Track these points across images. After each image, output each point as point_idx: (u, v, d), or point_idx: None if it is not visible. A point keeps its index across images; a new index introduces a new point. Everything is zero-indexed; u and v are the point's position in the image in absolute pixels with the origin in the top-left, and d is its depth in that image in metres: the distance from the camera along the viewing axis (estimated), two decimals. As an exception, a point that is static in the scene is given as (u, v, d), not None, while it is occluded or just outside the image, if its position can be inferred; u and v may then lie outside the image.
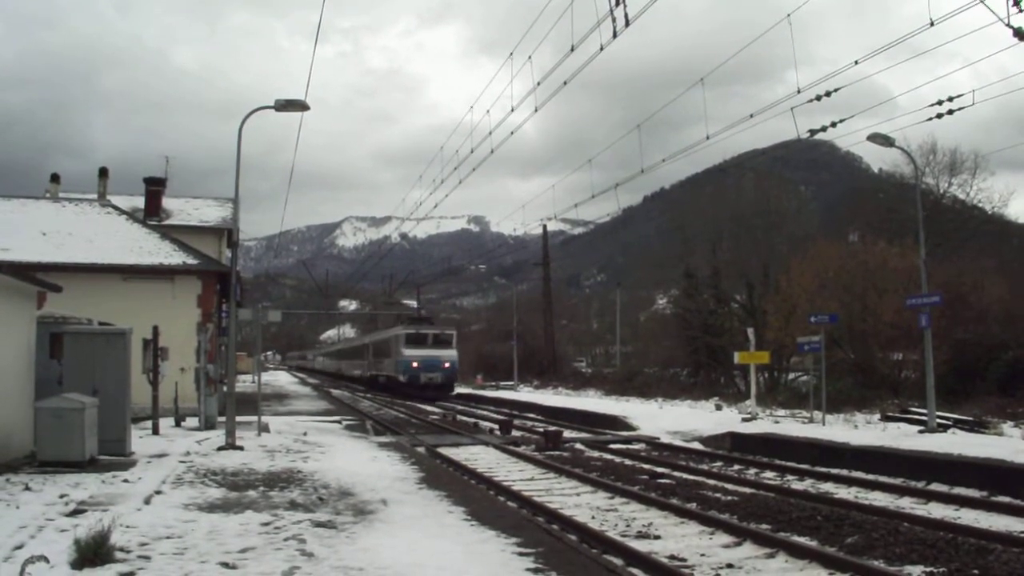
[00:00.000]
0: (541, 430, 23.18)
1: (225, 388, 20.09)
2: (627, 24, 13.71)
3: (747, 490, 12.39)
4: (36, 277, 16.18)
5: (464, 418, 29.50)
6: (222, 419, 19.32)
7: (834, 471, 14.64)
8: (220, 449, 16.47)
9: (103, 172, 33.21)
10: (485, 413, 32.48)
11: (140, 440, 16.85)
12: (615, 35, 13.96)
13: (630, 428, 24.01)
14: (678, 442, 20.81)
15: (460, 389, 51.87)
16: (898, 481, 13.48)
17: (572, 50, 15.13)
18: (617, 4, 13.62)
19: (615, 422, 25.27)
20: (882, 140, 22.02)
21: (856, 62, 14.49)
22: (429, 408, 36.42)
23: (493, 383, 57.02)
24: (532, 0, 19.44)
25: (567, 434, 21.76)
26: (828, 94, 15.35)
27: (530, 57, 17.75)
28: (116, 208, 30.55)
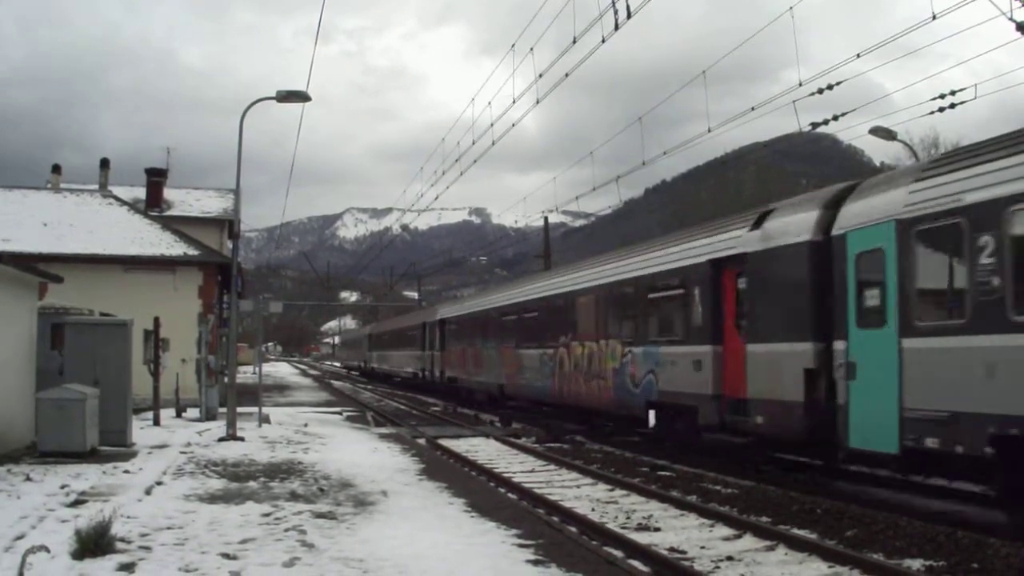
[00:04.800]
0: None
1: (226, 379, 20.11)
2: (629, 16, 13.67)
3: (748, 483, 12.39)
4: (37, 268, 16.19)
5: (465, 410, 29.52)
6: (223, 410, 19.37)
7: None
8: (221, 440, 16.51)
9: (104, 163, 33.18)
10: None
11: (141, 431, 16.88)
12: (617, 27, 13.92)
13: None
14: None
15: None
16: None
17: (574, 42, 15.09)
18: (619, -5, 13.58)
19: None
20: (884, 133, 22.02)
21: (858, 55, 14.44)
22: (430, 400, 36.44)
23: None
24: (532, 1, 19.40)
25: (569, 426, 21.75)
26: (830, 87, 15.33)
27: (531, 49, 17.73)
28: (117, 199, 30.55)
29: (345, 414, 26.64)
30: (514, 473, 14.11)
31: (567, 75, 16.82)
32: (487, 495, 11.35)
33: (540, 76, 17.53)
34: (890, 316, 9.91)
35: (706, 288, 13.99)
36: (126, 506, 9.28)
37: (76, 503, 9.58)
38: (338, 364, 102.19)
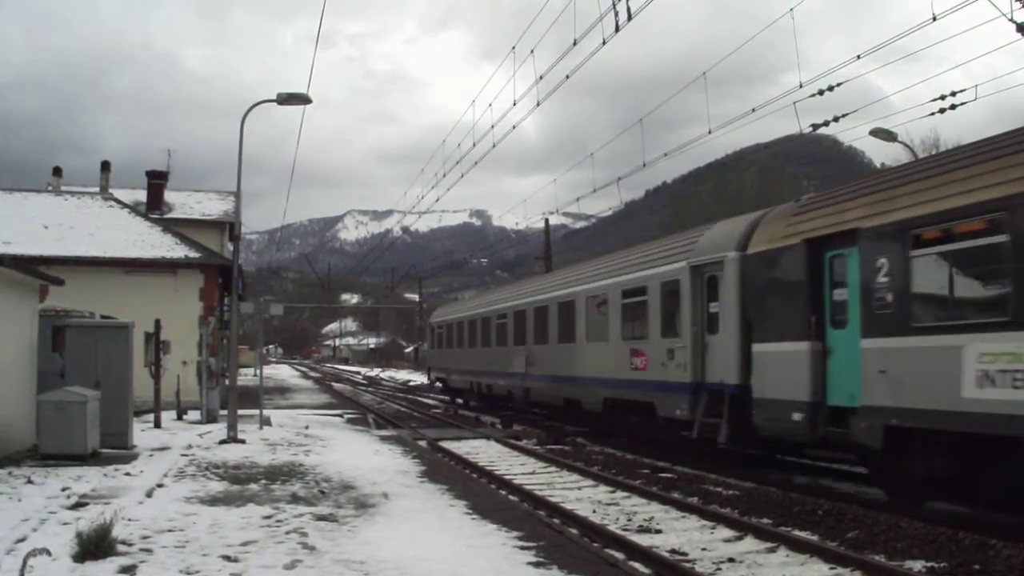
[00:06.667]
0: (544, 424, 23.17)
1: (227, 381, 20.12)
2: (629, 18, 13.69)
3: (749, 484, 12.39)
4: (38, 270, 16.21)
5: (465, 412, 29.51)
6: (224, 412, 19.37)
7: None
8: (222, 442, 16.52)
9: (105, 166, 33.17)
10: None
11: (142, 433, 16.89)
12: (617, 29, 13.94)
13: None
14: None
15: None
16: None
17: (575, 44, 15.12)
18: (620, -2, 13.60)
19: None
20: (884, 135, 22.01)
21: (859, 56, 14.45)
22: (431, 402, 36.44)
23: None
24: (533, 5, 19.43)
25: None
26: (831, 88, 15.33)
27: (532, 52, 17.75)
28: (118, 201, 30.58)
29: (346, 416, 26.62)
30: (515, 475, 14.11)
31: (567, 77, 16.84)
32: (488, 497, 11.35)
33: (540, 78, 17.56)
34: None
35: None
36: (127, 508, 9.28)
37: (77, 505, 9.58)
38: (426, 378, 43.42)
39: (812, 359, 11.46)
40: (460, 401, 33.67)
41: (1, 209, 27.74)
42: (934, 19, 12.14)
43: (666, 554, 8.31)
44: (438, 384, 38.21)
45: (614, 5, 13.75)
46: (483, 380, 28.92)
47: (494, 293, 31.94)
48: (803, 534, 9.20)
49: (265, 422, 20.67)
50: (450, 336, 34.17)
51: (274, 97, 18.06)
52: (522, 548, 7.92)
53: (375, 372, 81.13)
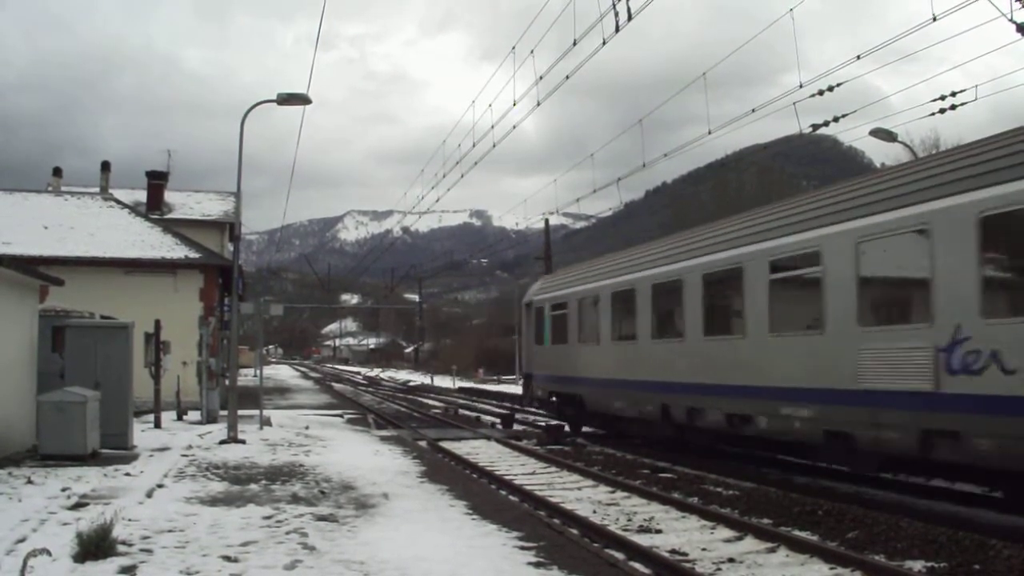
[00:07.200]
0: (543, 424, 23.12)
1: (227, 382, 20.12)
2: (629, 18, 13.68)
3: (749, 484, 12.39)
4: (38, 271, 16.20)
5: (466, 412, 29.52)
6: (224, 413, 19.37)
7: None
8: (222, 443, 16.52)
9: (105, 166, 33.16)
10: (487, 407, 32.49)
11: (142, 434, 16.89)
12: (617, 29, 13.94)
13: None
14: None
15: (460, 383, 51.69)
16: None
17: (574, 44, 15.11)
18: (619, -1, 13.60)
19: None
20: (885, 135, 22.01)
21: (859, 57, 14.44)
22: (431, 402, 36.45)
23: (495, 377, 57.11)
24: (533, 6, 19.38)
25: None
26: (831, 88, 15.32)
27: (532, 52, 17.74)
28: (118, 202, 30.57)
29: (346, 417, 26.64)
30: (515, 475, 14.11)
31: (567, 77, 16.83)
32: (488, 497, 11.35)
33: (540, 79, 17.55)
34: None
35: None
36: (127, 509, 9.28)
37: (77, 506, 9.58)
38: (521, 393, 28.66)
39: None
40: (588, 430, 20.48)
41: (1, 209, 27.73)
42: (934, 19, 12.14)
43: (666, 554, 8.31)
44: (536, 402, 24.27)
45: (614, 5, 13.75)
46: (709, 406, 14.28)
47: (763, 212, 14.23)
48: (803, 534, 9.20)
49: (265, 422, 20.67)
50: (589, 320, 19.49)
51: (274, 98, 18.09)
52: (522, 548, 7.92)
53: (375, 372, 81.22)
